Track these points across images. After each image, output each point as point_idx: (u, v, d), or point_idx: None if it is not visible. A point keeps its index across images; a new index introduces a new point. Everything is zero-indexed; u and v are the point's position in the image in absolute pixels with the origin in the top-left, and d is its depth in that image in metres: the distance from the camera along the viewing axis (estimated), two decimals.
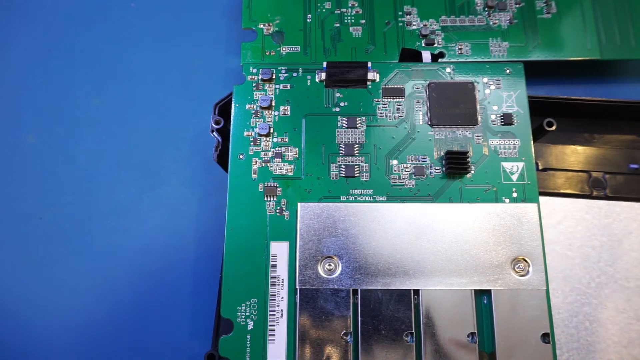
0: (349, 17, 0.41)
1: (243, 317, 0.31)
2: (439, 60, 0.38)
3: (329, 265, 0.31)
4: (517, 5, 0.41)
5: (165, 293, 0.39)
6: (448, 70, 0.35)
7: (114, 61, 0.45)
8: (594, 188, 0.38)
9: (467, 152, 0.32)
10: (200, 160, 0.42)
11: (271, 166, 0.33)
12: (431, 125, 0.34)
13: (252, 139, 0.34)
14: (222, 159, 0.35)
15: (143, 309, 0.39)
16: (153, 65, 0.45)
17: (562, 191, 0.38)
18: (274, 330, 0.31)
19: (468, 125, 0.34)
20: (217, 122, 0.35)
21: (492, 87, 0.35)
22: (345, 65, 0.35)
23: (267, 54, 0.40)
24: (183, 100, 0.44)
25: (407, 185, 0.33)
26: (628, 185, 0.38)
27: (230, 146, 0.34)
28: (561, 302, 0.35)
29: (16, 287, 0.40)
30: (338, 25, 0.40)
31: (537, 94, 0.38)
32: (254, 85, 0.35)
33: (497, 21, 0.40)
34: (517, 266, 0.31)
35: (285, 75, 0.35)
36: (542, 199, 0.33)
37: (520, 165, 0.33)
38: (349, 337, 0.30)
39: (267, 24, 0.41)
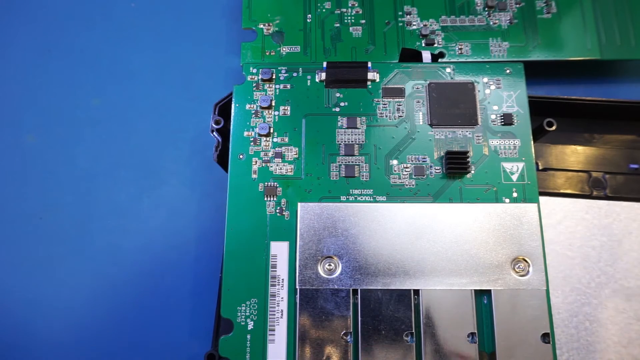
0: (349, 17, 0.41)
1: (243, 317, 0.31)
2: (439, 60, 0.38)
3: (329, 265, 0.31)
4: (517, 5, 0.41)
5: (165, 293, 0.39)
6: (448, 70, 0.35)
7: (114, 61, 0.45)
8: (594, 188, 0.38)
9: (467, 152, 0.32)
10: (200, 160, 0.42)
11: (271, 166, 0.33)
12: (431, 125, 0.34)
13: (252, 139, 0.34)
14: (222, 159, 0.35)
15: (143, 309, 0.39)
16: (153, 65, 0.45)
17: (562, 191, 0.38)
18: (274, 330, 0.31)
19: (468, 125, 0.34)
20: (217, 122, 0.35)
21: (492, 87, 0.35)
22: (345, 65, 0.35)
23: (267, 54, 0.40)
24: (183, 100, 0.44)
25: (407, 185, 0.33)
26: (628, 185, 0.38)
27: (230, 146, 0.34)
28: (561, 302, 0.35)
29: (16, 287, 0.40)
30: (338, 25, 0.40)
31: (537, 94, 0.38)
32: (254, 85, 0.35)
33: (497, 21, 0.40)
34: (517, 266, 0.31)
35: (285, 75, 0.35)
36: (542, 199, 0.33)
37: (520, 165, 0.33)
38: (349, 337, 0.30)
39: (267, 24, 0.41)
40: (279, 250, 0.32)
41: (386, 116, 0.34)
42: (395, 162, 0.33)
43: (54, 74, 0.45)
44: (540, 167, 0.39)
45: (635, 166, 0.39)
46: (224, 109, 0.35)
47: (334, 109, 0.34)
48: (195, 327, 0.38)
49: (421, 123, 0.34)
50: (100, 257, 0.40)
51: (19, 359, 0.38)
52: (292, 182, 0.33)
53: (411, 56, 0.38)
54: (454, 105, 0.34)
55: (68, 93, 0.44)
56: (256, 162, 0.33)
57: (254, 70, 0.35)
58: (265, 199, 0.32)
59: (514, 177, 0.33)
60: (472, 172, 0.33)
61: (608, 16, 0.40)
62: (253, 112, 0.34)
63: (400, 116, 0.34)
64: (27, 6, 0.47)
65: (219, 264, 0.37)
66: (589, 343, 0.35)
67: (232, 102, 0.34)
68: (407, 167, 0.33)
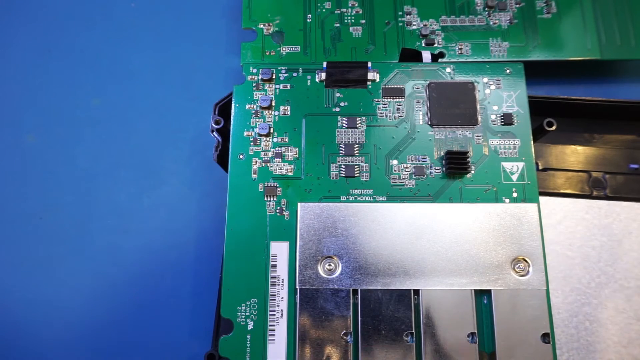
0: (349, 17, 0.41)
1: (243, 317, 0.31)
2: (439, 60, 0.38)
3: (329, 265, 0.31)
4: (517, 5, 0.41)
5: (165, 293, 0.39)
6: (448, 70, 0.35)
7: (114, 61, 0.45)
8: (594, 188, 0.38)
9: (467, 152, 0.32)
10: (200, 160, 0.42)
11: (271, 166, 0.33)
12: (431, 125, 0.34)
13: (252, 139, 0.34)
14: (222, 159, 0.35)
15: (143, 309, 0.39)
16: (153, 65, 0.45)
17: (562, 191, 0.38)
18: (274, 330, 0.31)
19: (468, 125, 0.34)
20: (217, 122, 0.35)
21: (492, 87, 0.35)
22: (345, 65, 0.35)
23: (267, 54, 0.40)
24: (183, 100, 0.44)
25: (407, 185, 0.33)
26: (628, 185, 0.38)
27: (230, 146, 0.34)
28: (561, 302, 0.35)
29: (16, 287, 0.40)
30: (338, 25, 0.40)
31: (537, 94, 0.38)
32: (254, 85, 0.35)
33: (497, 21, 0.40)
34: (517, 266, 0.31)
35: (285, 75, 0.35)
36: (542, 199, 0.33)
37: (520, 165, 0.33)
38: (349, 337, 0.30)
39: (267, 24, 0.41)
40: (279, 250, 0.32)
41: (386, 116, 0.34)
42: (395, 162, 0.33)
43: (54, 74, 0.45)
44: (540, 167, 0.39)
45: (635, 166, 0.39)
46: (224, 109, 0.35)
47: (334, 109, 0.34)
48: (195, 327, 0.38)
49: (421, 123, 0.34)
50: (100, 257, 0.40)
51: (19, 359, 0.38)
52: (292, 182, 0.33)
53: (411, 56, 0.38)
54: (454, 105, 0.34)
55: (68, 93, 0.44)
56: (256, 162, 0.33)
57: (254, 70, 0.35)
58: (265, 199, 0.32)
59: (514, 177, 0.33)
60: (472, 172, 0.33)
61: (608, 16, 0.40)
62: (253, 112, 0.34)
63: (400, 116, 0.34)
64: (27, 6, 0.47)
65: (219, 264, 0.37)
66: (589, 343, 0.35)
67: (232, 102, 0.34)
68: (407, 167, 0.33)
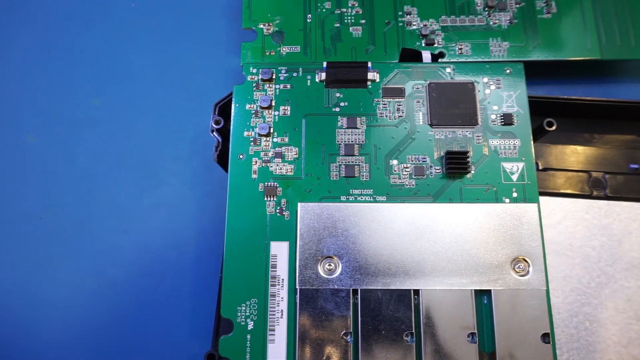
0: (349, 17, 0.41)
1: (243, 317, 0.31)
2: (439, 60, 0.38)
3: (329, 265, 0.31)
4: (517, 5, 0.41)
5: (165, 293, 0.39)
6: (448, 70, 0.35)
7: (114, 61, 0.45)
8: (594, 188, 0.38)
9: (467, 152, 0.32)
10: (200, 160, 0.42)
11: (271, 166, 0.33)
12: (431, 125, 0.34)
13: (252, 139, 0.34)
14: (222, 159, 0.35)
15: (143, 309, 0.39)
16: (153, 65, 0.45)
17: (562, 191, 0.38)
18: (274, 330, 0.31)
19: (468, 125, 0.34)
20: (217, 122, 0.35)
21: (492, 87, 0.35)
22: (345, 65, 0.35)
23: (267, 54, 0.40)
24: (183, 100, 0.44)
25: (407, 185, 0.33)
26: (628, 185, 0.38)
27: (230, 146, 0.34)
28: (561, 302, 0.35)
29: (16, 287, 0.40)
30: (338, 25, 0.40)
31: (537, 94, 0.38)
32: (254, 85, 0.35)
33: (497, 21, 0.40)
34: (517, 266, 0.31)
35: (285, 75, 0.35)
36: (542, 199, 0.33)
37: (520, 165, 0.33)
38: (349, 337, 0.30)
39: (267, 24, 0.41)
40: (279, 250, 0.32)
41: (386, 116, 0.34)
42: (395, 162, 0.33)
43: (54, 74, 0.45)
44: (540, 167, 0.39)
45: (635, 166, 0.39)
46: (224, 109, 0.35)
47: (334, 109, 0.34)
48: (195, 327, 0.38)
49: (421, 123, 0.34)
50: (100, 257, 0.40)
51: (19, 359, 0.38)
52: (292, 182, 0.33)
53: (411, 56, 0.38)
54: (454, 105, 0.34)
55: (68, 93, 0.44)
56: (256, 162, 0.33)
57: (254, 70, 0.35)
58: (265, 199, 0.32)
59: (514, 177, 0.33)
60: (472, 172, 0.33)
61: (608, 16, 0.40)
62: (253, 112, 0.34)
63: (400, 116, 0.34)
64: (27, 6, 0.47)
65: (219, 264, 0.37)
66: (589, 343, 0.35)
67: (232, 102, 0.34)
68: (407, 167, 0.33)
